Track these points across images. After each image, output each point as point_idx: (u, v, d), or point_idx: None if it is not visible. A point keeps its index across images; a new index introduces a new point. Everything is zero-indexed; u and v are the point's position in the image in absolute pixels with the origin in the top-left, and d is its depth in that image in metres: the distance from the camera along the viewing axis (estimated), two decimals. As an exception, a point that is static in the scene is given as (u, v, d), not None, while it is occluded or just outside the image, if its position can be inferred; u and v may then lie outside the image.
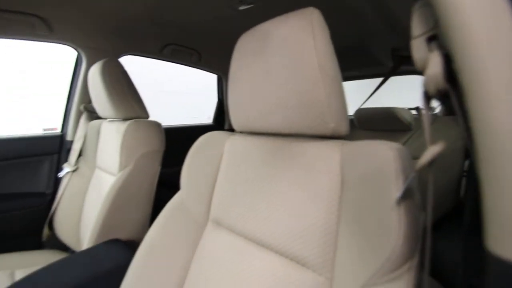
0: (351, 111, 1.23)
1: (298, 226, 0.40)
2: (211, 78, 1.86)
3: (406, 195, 0.29)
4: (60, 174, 1.14)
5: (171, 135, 1.08)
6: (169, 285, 0.51)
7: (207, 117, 1.95)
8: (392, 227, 0.29)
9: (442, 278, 0.75)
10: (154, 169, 0.88)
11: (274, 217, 0.43)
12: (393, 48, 1.33)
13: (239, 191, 0.50)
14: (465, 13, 0.19)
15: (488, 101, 0.19)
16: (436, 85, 0.23)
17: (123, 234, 0.80)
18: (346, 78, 1.79)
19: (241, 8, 0.98)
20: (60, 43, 1.09)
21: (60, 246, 1.09)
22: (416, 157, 0.27)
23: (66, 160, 1.18)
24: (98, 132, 1.08)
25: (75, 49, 1.14)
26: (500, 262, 0.19)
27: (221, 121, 1.88)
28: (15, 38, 1.02)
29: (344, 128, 0.40)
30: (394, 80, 1.38)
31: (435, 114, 1.56)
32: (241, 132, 0.55)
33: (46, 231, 1.11)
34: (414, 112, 1.37)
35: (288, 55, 0.40)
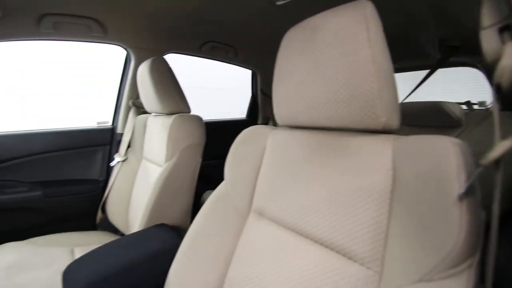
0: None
1: (345, 220, 0.40)
2: (241, 75, 1.89)
3: (469, 192, 0.28)
4: (112, 164, 1.25)
5: (206, 129, 1.14)
6: (213, 271, 0.55)
7: (240, 113, 2.00)
8: (453, 224, 0.28)
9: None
10: (196, 161, 0.93)
11: (319, 209, 0.44)
12: (441, 39, 1.24)
13: (282, 184, 0.51)
14: None
15: None
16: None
17: (169, 220, 0.86)
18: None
19: (279, 3, 0.99)
20: (112, 44, 1.19)
21: (111, 228, 1.21)
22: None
23: (116, 151, 1.29)
24: (144, 126, 1.17)
25: (125, 49, 1.24)
26: None
27: (255, 116, 1.91)
28: (75, 40, 1.13)
29: (395, 122, 0.40)
30: (435, 73, 1.29)
31: (488, 109, 1.43)
32: (284, 126, 0.57)
33: (99, 214, 1.24)
34: (464, 107, 1.27)
35: (340, 48, 0.40)
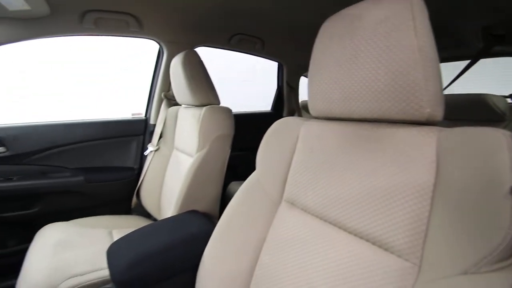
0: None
1: (382, 212, 0.40)
2: (265, 67, 1.87)
3: (522, 185, 0.27)
4: (145, 153, 1.33)
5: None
6: (245, 256, 0.57)
7: (263, 106, 2.00)
8: (504, 217, 0.28)
9: None
10: (225, 151, 0.96)
11: (354, 201, 0.44)
12: (484, 27, 1.15)
13: (315, 175, 0.52)
14: None
15: None
16: None
17: (199, 207, 0.90)
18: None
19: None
20: (146, 38, 1.24)
21: (144, 213, 1.29)
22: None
23: (149, 141, 1.36)
24: (175, 117, 1.21)
25: (158, 43, 1.29)
26: None
27: (280, 108, 1.91)
28: (113, 35, 1.20)
29: (439, 114, 0.39)
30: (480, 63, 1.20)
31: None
32: (317, 118, 0.57)
33: (134, 200, 1.32)
34: (509, 100, 1.18)
35: (382, 38, 0.40)
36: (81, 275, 0.78)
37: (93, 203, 1.28)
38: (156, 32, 1.21)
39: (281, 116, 1.92)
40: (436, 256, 0.34)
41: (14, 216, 1.15)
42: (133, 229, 0.88)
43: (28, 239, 1.05)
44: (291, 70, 1.83)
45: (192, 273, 0.63)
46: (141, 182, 1.29)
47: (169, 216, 0.90)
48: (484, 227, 0.29)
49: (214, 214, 0.96)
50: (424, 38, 0.37)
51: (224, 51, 1.53)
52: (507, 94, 1.22)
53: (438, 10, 1.03)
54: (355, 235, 0.44)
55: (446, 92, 1.18)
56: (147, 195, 1.26)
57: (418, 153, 0.38)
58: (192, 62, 0.98)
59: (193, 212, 0.83)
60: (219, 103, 1.04)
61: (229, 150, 0.97)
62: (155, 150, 1.29)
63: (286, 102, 1.88)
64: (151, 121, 1.41)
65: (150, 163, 1.28)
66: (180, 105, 1.23)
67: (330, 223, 0.48)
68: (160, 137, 1.30)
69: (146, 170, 1.28)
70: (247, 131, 1.03)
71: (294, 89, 1.88)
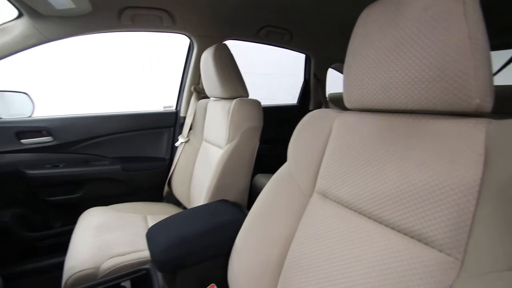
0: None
1: (423, 206, 0.39)
2: (289, 60, 1.85)
3: None
4: (176, 144, 1.38)
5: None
6: (276, 245, 0.58)
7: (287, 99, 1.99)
8: None
9: None
10: (254, 143, 0.97)
11: (392, 195, 0.43)
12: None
13: (350, 167, 0.51)
14: None
15: None
16: None
17: (229, 196, 0.93)
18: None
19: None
20: (178, 33, 1.28)
21: (175, 201, 1.35)
22: None
23: (180, 132, 1.41)
24: (205, 110, 1.25)
25: (189, 37, 1.32)
26: None
27: (306, 101, 1.89)
28: (147, 30, 1.25)
29: (489, 105, 0.37)
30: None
31: None
32: (353, 110, 0.56)
33: (166, 188, 1.39)
34: None
35: (429, 25, 0.38)
36: (121, 255, 0.85)
37: (129, 190, 1.37)
38: (187, 26, 1.25)
39: (307, 109, 1.90)
40: (480, 252, 0.33)
41: (60, 200, 1.27)
42: (165, 216, 0.94)
43: (72, 221, 1.15)
44: (319, 62, 1.79)
45: (223, 258, 0.66)
46: (172, 172, 1.35)
47: (199, 204, 0.94)
48: None
49: (243, 204, 0.99)
50: (475, 24, 0.35)
51: (247, 45, 1.53)
52: None
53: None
54: (392, 228, 0.43)
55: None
56: (177, 184, 1.32)
57: (465, 146, 0.37)
58: (222, 55, 1.00)
59: (224, 201, 0.86)
60: (248, 95, 1.05)
61: (258, 142, 0.98)
62: (185, 142, 1.34)
63: (312, 95, 1.86)
64: (181, 114, 1.46)
65: (180, 154, 1.33)
66: (209, 98, 1.26)
67: (365, 215, 0.47)
68: (190, 129, 1.35)
69: (177, 161, 1.34)
70: (272, 124, 1.03)
71: (321, 82, 1.84)
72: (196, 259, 0.66)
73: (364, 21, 0.48)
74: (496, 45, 1.41)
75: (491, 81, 0.37)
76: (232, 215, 0.75)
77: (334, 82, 1.84)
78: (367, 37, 0.47)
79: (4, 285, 0.91)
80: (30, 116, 1.27)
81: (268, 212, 0.62)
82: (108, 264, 0.81)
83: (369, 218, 0.47)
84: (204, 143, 1.23)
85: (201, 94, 1.40)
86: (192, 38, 1.32)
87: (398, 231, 0.42)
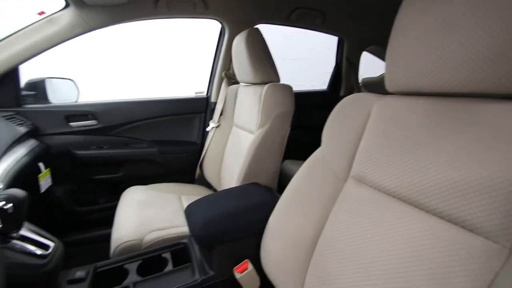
0: None
1: (473, 196, 0.38)
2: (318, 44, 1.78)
3: None
4: (207, 129, 1.43)
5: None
6: (309, 227, 0.60)
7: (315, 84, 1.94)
8: None
9: None
10: (285, 128, 0.98)
11: (438, 181, 0.42)
12: None
13: (390, 152, 0.50)
14: None
15: None
16: None
17: (260, 180, 0.95)
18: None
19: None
20: (210, 18, 1.29)
21: (206, 183, 1.42)
22: None
23: (210, 118, 1.46)
24: (235, 95, 1.27)
25: (221, 22, 1.33)
26: None
27: (337, 87, 1.83)
28: (181, 17, 1.28)
29: None
30: None
31: None
32: (395, 94, 0.54)
33: (198, 171, 1.46)
34: None
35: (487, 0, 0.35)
36: (161, 229, 0.92)
37: (164, 172, 1.46)
38: (219, 11, 1.25)
39: (338, 95, 1.84)
40: None
41: (104, 178, 1.38)
42: (198, 196, 0.99)
43: (114, 198, 1.26)
44: (353, 45, 1.71)
45: (256, 238, 0.69)
46: (204, 156, 1.41)
47: (229, 187, 0.98)
48: None
49: (273, 188, 1.01)
50: None
51: (275, 29, 1.50)
52: None
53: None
54: (434, 214, 0.42)
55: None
56: (208, 168, 1.37)
57: None
58: (255, 40, 1.00)
59: (256, 184, 0.89)
60: (279, 80, 1.04)
61: (289, 128, 0.98)
62: (216, 127, 1.38)
63: (344, 80, 1.79)
64: (212, 99, 1.50)
65: (211, 138, 1.38)
66: (240, 83, 1.27)
67: (404, 201, 0.47)
68: (221, 114, 1.38)
69: (208, 145, 1.39)
70: (301, 111, 1.02)
71: (354, 66, 1.76)
72: (230, 236, 0.70)
73: None
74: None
75: None
76: (264, 197, 0.78)
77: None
78: (415, 16, 0.45)
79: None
80: (76, 101, 1.38)
81: (301, 195, 0.63)
82: (150, 237, 0.89)
83: (409, 203, 0.46)
84: (234, 128, 1.26)
85: (232, 80, 1.42)
86: (223, 23, 1.33)
87: (441, 217, 0.41)
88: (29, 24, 1.08)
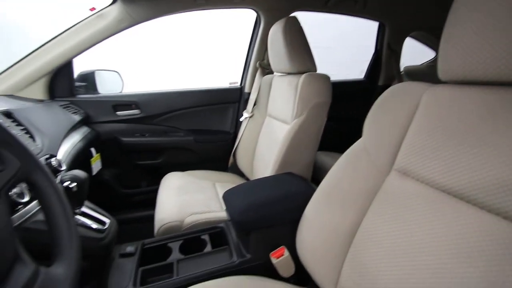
0: None
1: None
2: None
3: None
4: (241, 119, 1.46)
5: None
6: (347, 217, 0.59)
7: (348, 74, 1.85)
8: None
9: None
10: (322, 119, 0.96)
11: (495, 180, 0.39)
12: None
13: (441, 145, 0.48)
14: None
15: None
16: None
17: (294, 170, 0.95)
18: None
19: None
20: (246, 8, 1.29)
21: (238, 172, 1.45)
22: None
23: (244, 108, 1.48)
24: (269, 85, 1.27)
25: (256, 11, 1.32)
26: None
27: (376, 76, 1.74)
28: (218, 8, 1.29)
29: None
30: None
31: None
32: (448, 83, 0.51)
33: (231, 160, 1.50)
34: None
35: None
36: (199, 213, 0.98)
37: (199, 159, 1.53)
38: (255, 0, 1.25)
39: (375, 85, 1.75)
40: None
41: (146, 164, 1.49)
42: (231, 184, 1.02)
43: (154, 182, 1.35)
44: (395, 30, 1.60)
45: (292, 225, 0.71)
46: (237, 145, 1.44)
47: (262, 176, 1.00)
48: None
49: (308, 179, 1.01)
50: None
51: (308, 17, 1.45)
52: None
53: None
54: (489, 211, 0.40)
55: None
56: (241, 157, 1.41)
57: None
58: (293, 29, 0.98)
59: (291, 174, 0.90)
60: (316, 70, 1.02)
61: (325, 118, 0.97)
62: (250, 117, 1.40)
63: (384, 68, 1.70)
64: (246, 90, 1.51)
65: (244, 128, 1.40)
66: (274, 73, 1.27)
67: (455, 196, 0.44)
68: (254, 104, 1.40)
69: (241, 135, 1.42)
70: (335, 101, 0.99)
71: (395, 53, 1.66)
72: (267, 223, 0.72)
73: None
74: None
75: None
76: (300, 187, 0.79)
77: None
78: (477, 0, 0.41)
79: None
80: (121, 92, 1.48)
81: (340, 187, 0.63)
82: (190, 219, 0.95)
83: (460, 199, 0.44)
84: (268, 118, 1.27)
85: (266, 70, 1.42)
86: (259, 12, 1.32)
87: (496, 214, 0.39)
88: (81, 20, 1.17)
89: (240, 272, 0.68)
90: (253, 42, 1.44)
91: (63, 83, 1.27)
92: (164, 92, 1.48)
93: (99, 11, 1.17)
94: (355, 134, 0.66)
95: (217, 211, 1.01)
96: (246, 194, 0.78)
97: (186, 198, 1.09)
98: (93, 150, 1.25)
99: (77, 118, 1.17)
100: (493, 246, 0.38)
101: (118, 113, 1.39)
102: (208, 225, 0.92)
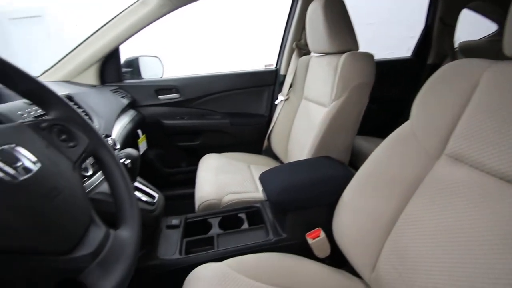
0: None
1: None
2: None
3: None
4: (276, 102, 1.45)
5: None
6: (389, 202, 0.58)
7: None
8: None
9: None
10: (363, 101, 0.92)
11: None
12: None
13: (504, 128, 0.43)
14: None
15: None
16: None
17: (331, 155, 0.94)
18: None
19: None
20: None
21: (272, 155, 1.47)
22: None
23: (279, 90, 1.46)
24: (306, 67, 1.23)
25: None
26: None
27: (425, 53, 1.58)
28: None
29: None
30: None
31: None
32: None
33: (265, 143, 1.52)
34: None
35: None
36: (236, 193, 1.02)
37: (235, 142, 1.57)
38: None
39: (424, 64, 1.60)
40: None
41: (186, 145, 1.57)
42: (266, 167, 1.03)
43: (193, 163, 1.42)
44: (449, 1, 1.43)
45: (328, 208, 0.71)
46: (272, 128, 1.45)
47: (297, 160, 0.99)
48: None
49: (345, 163, 0.99)
50: None
51: None
52: None
53: None
54: None
55: None
56: (276, 140, 1.41)
57: None
58: (334, 5, 0.93)
59: (329, 157, 0.89)
60: (358, 48, 0.97)
61: (367, 100, 0.92)
62: (285, 100, 1.38)
63: (435, 45, 1.53)
64: (281, 72, 1.49)
65: (280, 111, 1.40)
66: (311, 54, 1.22)
67: None
68: (290, 87, 1.37)
69: (276, 118, 1.41)
70: (378, 81, 0.92)
71: (449, 27, 1.48)
72: (304, 204, 0.74)
73: None
74: None
75: None
76: (338, 170, 0.78)
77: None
78: None
79: None
80: (161, 77, 1.56)
81: (383, 171, 0.61)
82: (227, 198, 0.99)
83: None
84: (304, 101, 1.25)
85: (303, 51, 1.37)
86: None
87: None
88: (126, 7, 1.23)
89: (276, 250, 0.71)
90: (289, 22, 1.39)
91: (111, 69, 1.36)
92: (202, 76, 1.52)
93: (141, -2, 1.22)
94: (398, 117, 0.62)
95: (253, 192, 1.04)
96: (283, 176, 0.79)
97: (223, 178, 1.14)
98: (139, 131, 1.35)
99: (125, 102, 1.27)
100: None
101: (160, 97, 1.48)
102: (244, 204, 0.96)
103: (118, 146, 0.82)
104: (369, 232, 0.59)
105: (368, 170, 0.64)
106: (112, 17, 1.23)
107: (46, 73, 1.19)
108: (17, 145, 0.34)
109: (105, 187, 0.62)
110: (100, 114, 0.94)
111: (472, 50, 1.61)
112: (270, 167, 0.92)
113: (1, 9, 5.12)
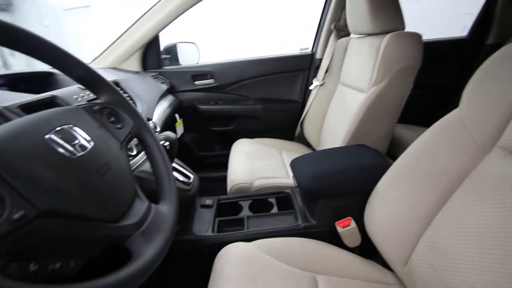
0: None
1: None
2: None
3: None
4: (310, 87, 1.41)
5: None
6: (429, 194, 0.54)
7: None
8: None
9: None
10: (407, 86, 0.85)
11: None
12: None
13: None
14: None
15: None
16: None
17: (368, 143, 0.89)
18: None
19: None
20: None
21: (305, 142, 1.45)
22: None
23: (314, 75, 1.41)
24: (345, 50, 1.17)
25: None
26: None
27: (484, 33, 1.39)
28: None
29: None
30: None
31: None
32: None
33: (298, 129, 1.50)
34: None
35: None
36: (267, 178, 1.04)
37: (267, 128, 1.58)
38: None
39: (482, 44, 1.42)
40: None
41: (219, 130, 1.62)
42: (297, 153, 1.01)
43: (226, 147, 1.46)
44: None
45: (360, 198, 0.69)
46: (305, 115, 1.42)
47: (331, 147, 0.97)
48: None
49: (382, 153, 0.94)
50: None
51: None
52: None
53: None
54: None
55: None
56: (309, 127, 1.39)
57: None
58: (378, -20, 0.85)
59: (364, 146, 0.85)
60: (404, 28, 0.88)
61: (412, 85, 0.85)
62: (320, 85, 1.34)
63: (497, 22, 1.34)
64: (317, 56, 1.43)
65: (314, 97, 1.36)
66: (351, 36, 1.15)
67: None
68: (326, 71, 1.32)
69: (310, 104, 1.38)
70: (426, 65, 0.83)
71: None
72: (336, 192, 0.72)
73: None
74: None
75: None
76: (374, 159, 0.74)
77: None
78: None
79: None
80: (197, 63, 1.60)
81: (424, 163, 0.57)
82: (258, 183, 1.01)
83: None
84: (340, 86, 1.19)
85: (341, 33, 1.30)
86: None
87: None
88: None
89: (305, 236, 0.72)
90: (328, 1, 1.32)
91: (152, 56, 1.43)
92: (235, 61, 1.53)
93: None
94: (445, 104, 0.56)
95: (283, 177, 1.05)
96: (315, 163, 0.78)
97: (255, 163, 1.16)
98: (177, 116, 1.42)
99: (164, 87, 1.34)
100: None
101: (196, 82, 1.52)
102: (275, 189, 0.97)
103: (158, 129, 0.87)
104: (405, 225, 0.57)
105: (407, 160, 0.60)
106: (153, 5, 1.28)
107: (96, 60, 1.29)
108: (74, 125, 0.39)
109: (147, 166, 0.67)
110: (143, 99, 1.00)
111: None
112: (302, 154, 0.91)
113: (55, 1, 5.64)
